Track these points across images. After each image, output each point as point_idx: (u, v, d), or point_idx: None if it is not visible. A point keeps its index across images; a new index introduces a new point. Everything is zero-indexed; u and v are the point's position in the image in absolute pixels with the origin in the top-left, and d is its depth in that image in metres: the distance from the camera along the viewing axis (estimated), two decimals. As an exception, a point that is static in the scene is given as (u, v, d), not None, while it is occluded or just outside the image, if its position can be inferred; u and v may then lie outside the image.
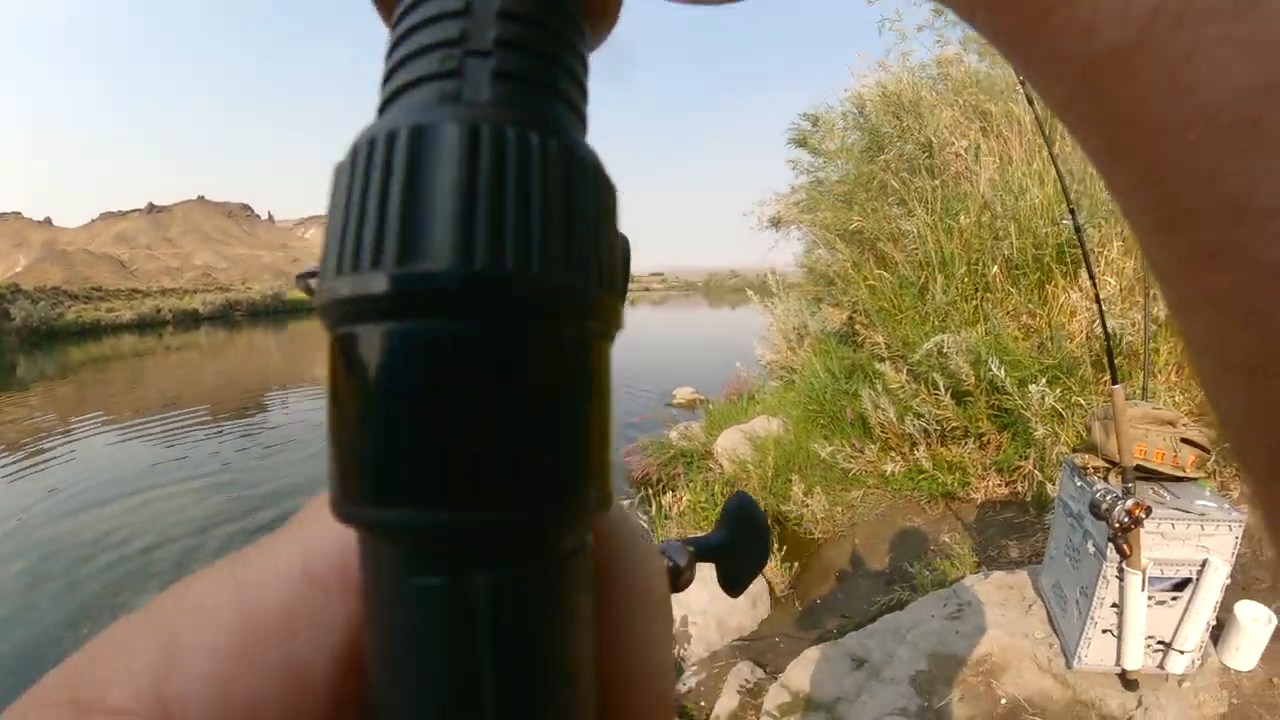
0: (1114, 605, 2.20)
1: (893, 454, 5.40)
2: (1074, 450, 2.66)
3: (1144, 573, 2.06)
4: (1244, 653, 2.27)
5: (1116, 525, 1.91)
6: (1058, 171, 2.11)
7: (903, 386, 5.14)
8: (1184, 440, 2.26)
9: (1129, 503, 1.90)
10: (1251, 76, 0.14)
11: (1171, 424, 2.30)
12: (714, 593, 4.32)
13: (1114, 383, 2.02)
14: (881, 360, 5.47)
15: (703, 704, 3.62)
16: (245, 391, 15.40)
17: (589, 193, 0.16)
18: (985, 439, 4.86)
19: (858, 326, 6.55)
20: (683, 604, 4.32)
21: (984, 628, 2.72)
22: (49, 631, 5.24)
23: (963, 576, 3.46)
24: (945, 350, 4.75)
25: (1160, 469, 2.24)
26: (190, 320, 33.54)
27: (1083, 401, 4.18)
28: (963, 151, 5.62)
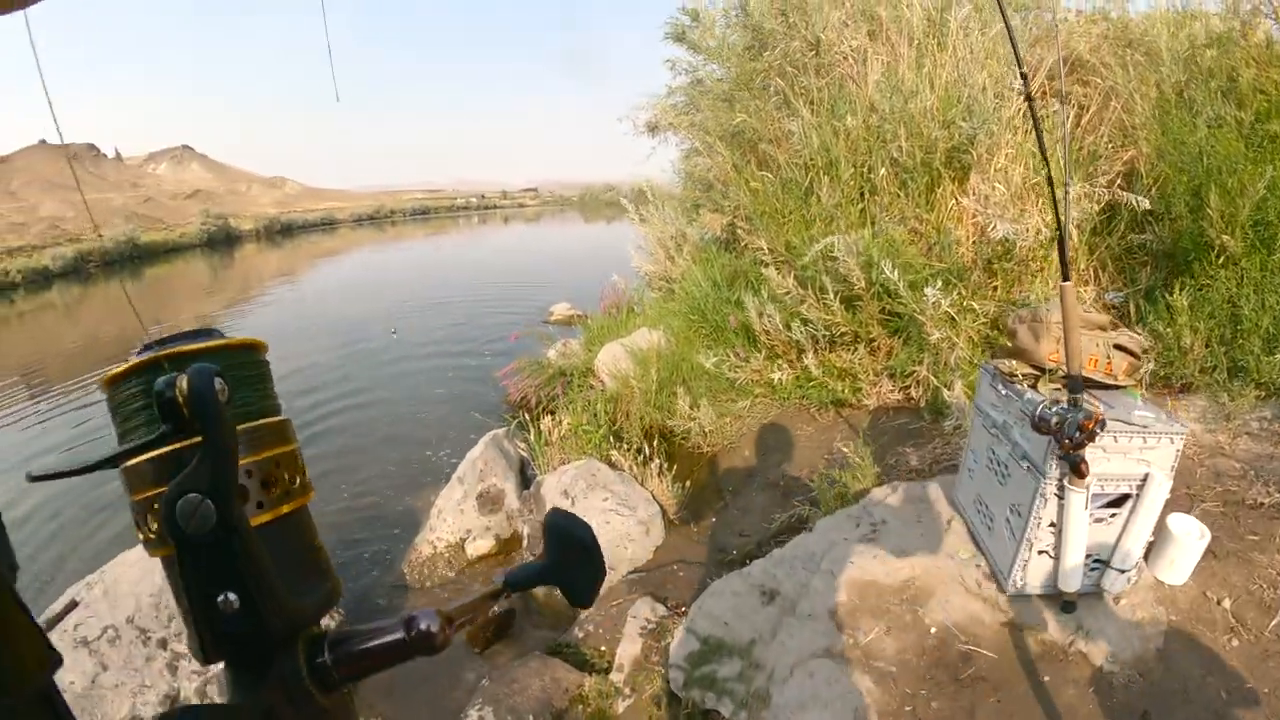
0: (1051, 525, 2.03)
1: (780, 362, 5.24)
2: (993, 356, 2.46)
3: (1088, 490, 1.88)
4: (1178, 567, 2.17)
5: (1068, 441, 1.69)
6: (1011, 38, 1.78)
7: (789, 292, 4.92)
8: (1116, 346, 2.07)
9: (1082, 414, 1.67)
10: None
11: (1103, 328, 2.10)
12: (605, 525, 4.05)
13: (1064, 279, 1.77)
14: (766, 266, 5.22)
15: (603, 649, 3.36)
16: (110, 354, 13.67)
17: None
18: (876, 344, 4.74)
19: (739, 232, 6.28)
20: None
21: (903, 550, 2.55)
22: None
23: (867, 490, 3.30)
24: (835, 253, 4.53)
25: (1092, 376, 2.05)
26: (42, 279, 29.95)
27: (975, 306, 4.08)
28: (850, 53, 5.32)
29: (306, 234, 50.61)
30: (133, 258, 35.68)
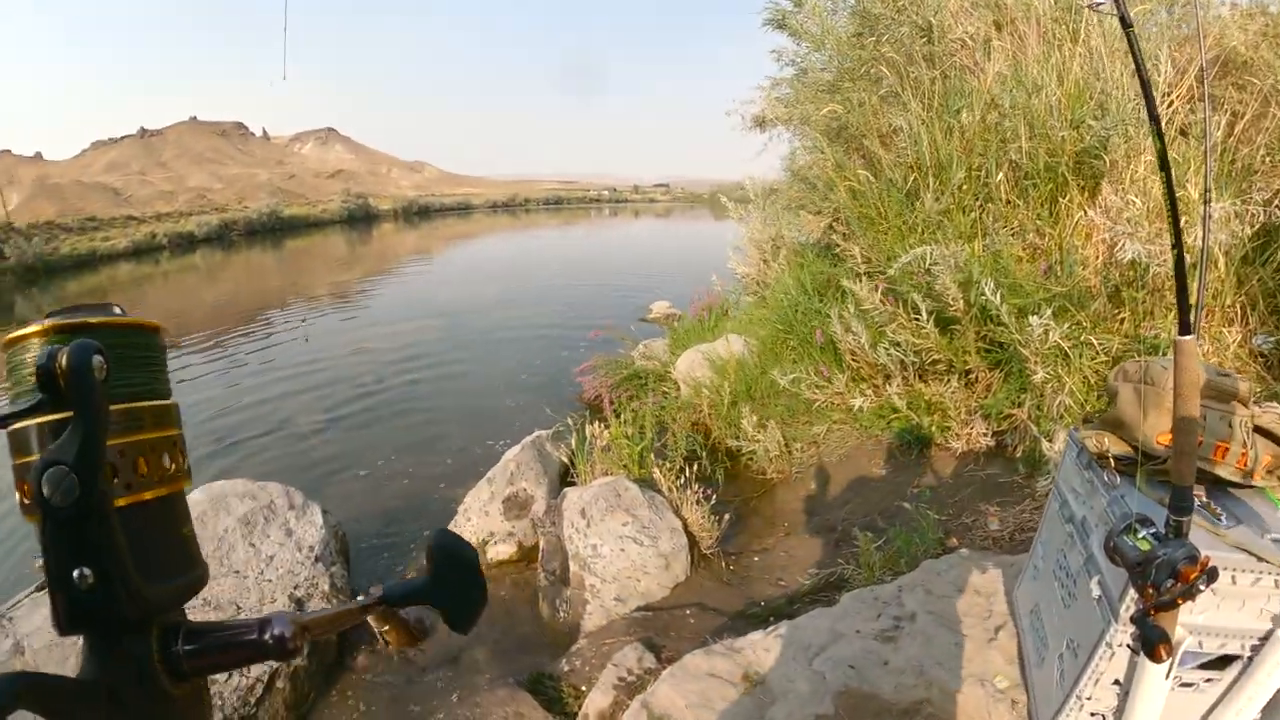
0: (1116, 683, 1.38)
1: (863, 386, 4.63)
2: (1085, 420, 1.80)
3: (1177, 651, 1.22)
4: None
5: (1151, 590, 1.05)
6: (1133, 50, 1.17)
7: (877, 308, 4.26)
8: (1257, 429, 1.39)
9: (1181, 555, 1.02)
10: None
11: (1241, 401, 1.41)
12: (619, 553, 3.58)
13: (1183, 331, 1.13)
14: (857, 276, 4.56)
15: (583, 689, 2.92)
16: (242, 312, 14.83)
17: None
18: (973, 377, 4.03)
19: (836, 236, 5.62)
20: (585, 564, 3.58)
21: (924, 663, 1.91)
22: None
23: (918, 561, 2.66)
24: (930, 266, 3.85)
25: (1218, 471, 1.38)
26: (186, 243, 32.65)
27: (1094, 340, 3.31)
28: (969, 40, 4.58)
29: (442, 217, 52.95)
30: (274, 229, 38.15)
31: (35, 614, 3.10)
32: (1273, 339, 3.09)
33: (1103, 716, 1.43)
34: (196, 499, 3.67)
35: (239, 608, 3.28)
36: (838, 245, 5.53)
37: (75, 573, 0.43)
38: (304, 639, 0.51)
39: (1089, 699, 1.42)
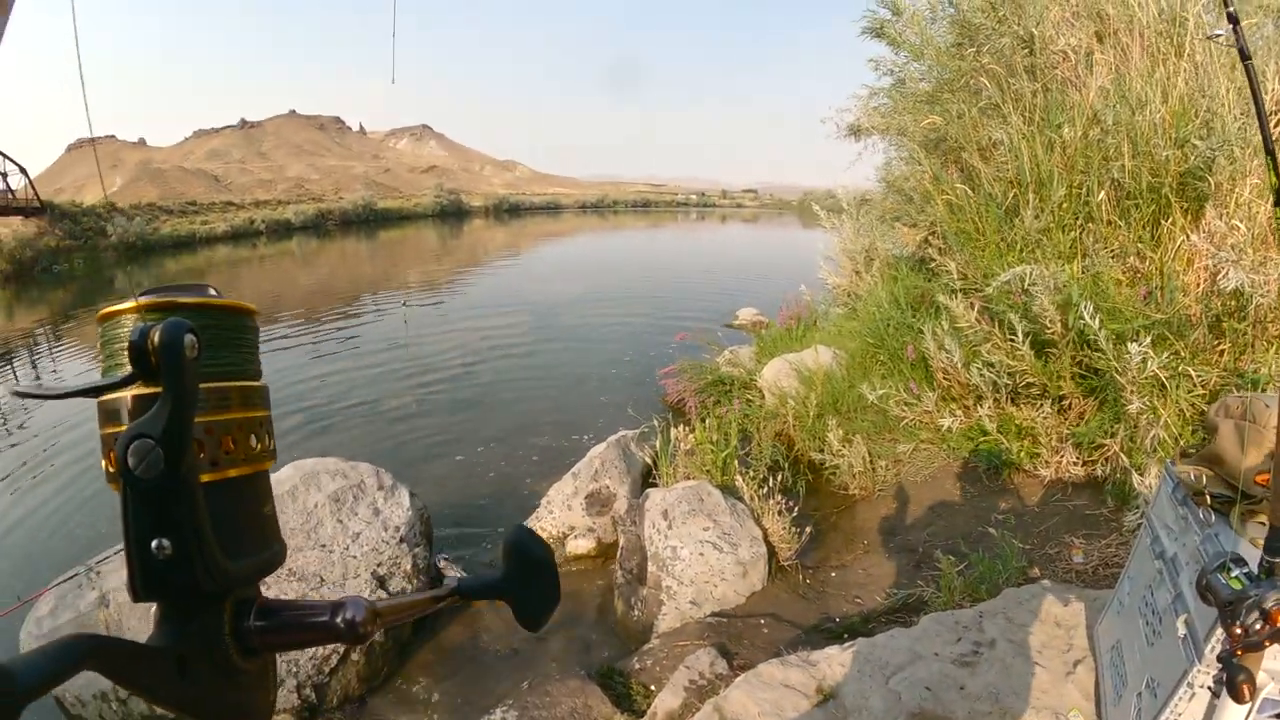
0: (1199, 725, 1.36)
1: (954, 406, 4.55)
2: (1183, 453, 1.76)
3: (1258, 698, 1.20)
4: None
5: (1239, 633, 1.05)
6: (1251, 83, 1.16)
7: (972, 326, 4.19)
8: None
9: (1272, 598, 1.02)
10: None
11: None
12: (698, 556, 3.64)
13: None
14: (952, 293, 4.48)
15: (651, 688, 2.99)
16: (337, 296, 15.56)
17: None
18: (1066, 403, 3.93)
19: (931, 251, 5.52)
20: (663, 565, 3.65)
21: (1001, 691, 1.91)
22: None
23: (1001, 587, 2.63)
24: (1028, 286, 3.76)
25: (1317, 514, 1.34)
26: (283, 230, 34.30)
27: (1192, 372, 3.18)
28: (1070, 52, 4.43)
29: (532, 215, 54.11)
30: (369, 221, 39.72)
31: (124, 569, 3.33)
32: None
33: (1180, 759, 1.41)
34: (286, 475, 3.84)
35: (322, 580, 3.45)
36: (933, 260, 5.45)
37: (154, 543, 0.44)
38: (376, 625, 0.51)
39: (1166, 740, 1.41)
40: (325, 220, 37.72)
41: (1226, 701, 1.22)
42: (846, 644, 2.39)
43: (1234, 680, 0.99)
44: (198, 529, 0.45)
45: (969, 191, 4.77)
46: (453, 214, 47.42)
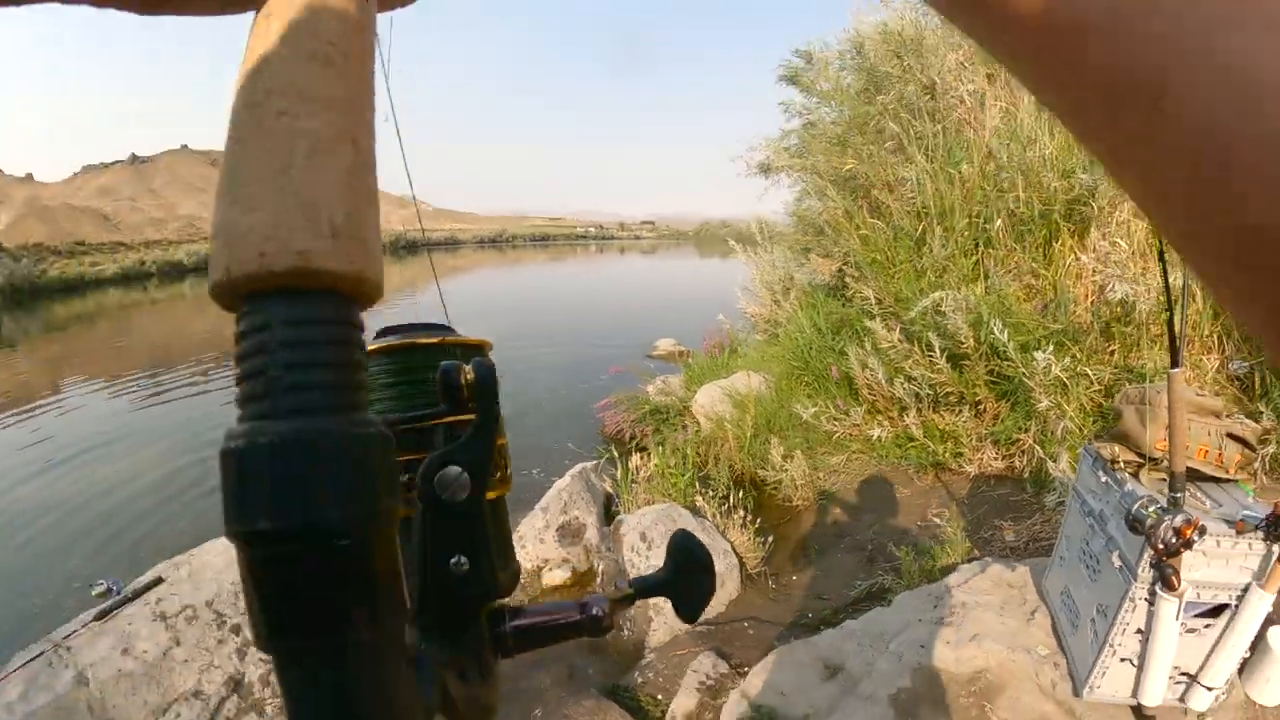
0: (1139, 631, 1.82)
1: (880, 418, 5.04)
2: (1097, 437, 2.25)
3: (1181, 599, 1.67)
4: (1274, 686, 1.90)
5: (1160, 546, 1.51)
6: None
7: (894, 346, 4.72)
8: (1229, 435, 1.85)
9: (1179, 519, 1.49)
10: None
11: (1216, 414, 1.89)
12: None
13: (1173, 365, 1.60)
14: (872, 317, 5.03)
15: (659, 698, 3.27)
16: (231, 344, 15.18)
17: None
18: (982, 407, 4.48)
19: (848, 279, 6.11)
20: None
21: (978, 637, 2.35)
22: None
23: (954, 566, 3.09)
24: (943, 309, 4.32)
25: (1201, 467, 1.84)
26: (175, 272, 32.89)
27: (1089, 371, 3.78)
28: (967, 97, 5.12)
29: (430, 251, 53.08)
30: None
31: (99, 642, 3.09)
32: (1246, 364, 3.58)
33: (1131, 660, 1.88)
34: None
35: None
36: (849, 287, 6.01)
37: (453, 560, 0.48)
38: (615, 619, 0.54)
39: (1119, 646, 1.86)
40: (221, 261, 36.47)
41: (1160, 608, 1.69)
42: (839, 626, 2.79)
43: (1166, 576, 1.48)
44: (488, 544, 0.49)
45: (881, 224, 5.37)
46: (349, 252, 46.52)
